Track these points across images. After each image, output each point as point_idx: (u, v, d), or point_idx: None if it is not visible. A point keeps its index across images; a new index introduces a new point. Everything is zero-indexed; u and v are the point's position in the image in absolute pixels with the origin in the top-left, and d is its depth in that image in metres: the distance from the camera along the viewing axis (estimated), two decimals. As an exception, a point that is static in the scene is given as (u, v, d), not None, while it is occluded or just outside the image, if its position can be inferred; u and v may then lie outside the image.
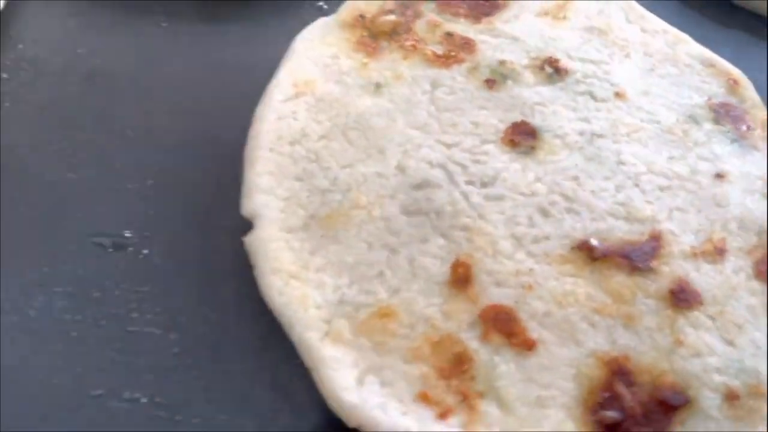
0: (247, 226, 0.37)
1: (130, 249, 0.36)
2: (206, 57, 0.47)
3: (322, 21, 0.45)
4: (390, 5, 0.46)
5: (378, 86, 0.40)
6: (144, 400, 0.31)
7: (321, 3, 0.51)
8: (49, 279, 0.35)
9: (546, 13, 0.46)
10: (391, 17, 0.44)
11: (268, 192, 0.35)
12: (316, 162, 0.36)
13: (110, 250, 0.36)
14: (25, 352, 0.32)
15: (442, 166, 0.36)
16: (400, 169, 0.36)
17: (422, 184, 0.35)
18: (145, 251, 0.36)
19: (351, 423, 0.28)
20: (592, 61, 0.43)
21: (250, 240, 0.34)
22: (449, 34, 0.44)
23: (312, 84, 0.40)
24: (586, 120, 0.39)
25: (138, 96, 0.44)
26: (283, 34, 0.49)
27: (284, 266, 0.32)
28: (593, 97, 0.40)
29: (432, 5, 0.46)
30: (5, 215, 0.37)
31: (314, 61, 0.42)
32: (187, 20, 0.49)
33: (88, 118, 0.43)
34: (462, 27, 0.44)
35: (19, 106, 0.43)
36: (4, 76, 0.45)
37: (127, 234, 0.37)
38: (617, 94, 0.41)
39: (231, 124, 0.43)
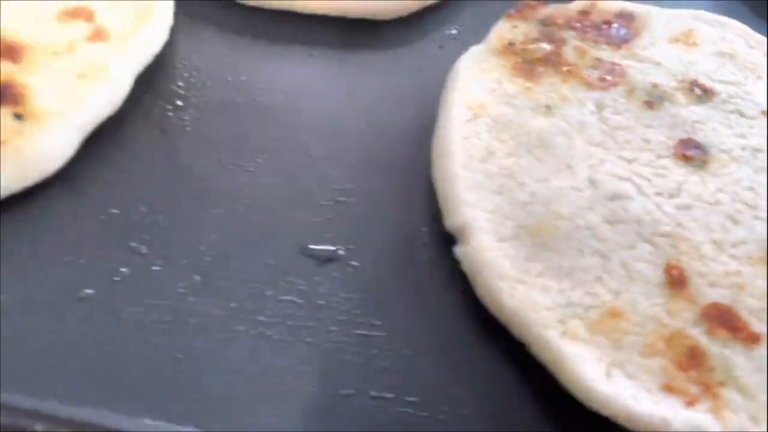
0: (438, 236, 0.40)
1: (339, 262, 0.39)
2: (355, 82, 0.50)
3: (475, 49, 0.48)
4: (534, 33, 0.50)
5: (548, 108, 0.44)
6: (391, 397, 0.33)
7: (453, 31, 0.55)
8: (273, 290, 0.37)
9: (677, 40, 0.50)
10: (544, 45, 0.48)
11: (474, 205, 0.38)
12: (510, 178, 0.39)
13: (321, 262, 0.39)
14: (267, 358, 0.35)
15: (629, 180, 0.39)
16: (592, 182, 0.39)
17: (615, 196, 0.38)
18: (354, 263, 0.39)
19: (606, 412, 0.30)
20: (731, 83, 0.46)
21: (466, 250, 0.37)
22: (598, 60, 0.47)
23: (485, 106, 0.44)
24: (742, 136, 0.42)
25: (304, 121, 0.47)
26: (421, 59, 0.53)
27: (507, 272, 0.35)
28: (743, 115, 0.44)
29: (573, 33, 0.50)
30: (217, 231, 0.39)
31: (480, 86, 0.45)
32: (332, 49, 0.53)
33: (265, 142, 0.45)
34: (606, 53, 0.48)
35: (200, 131, 0.45)
36: (179, 103, 0.48)
37: (331, 247, 0.39)
38: (763, 112, 0.44)
39: (397, 143, 0.47)
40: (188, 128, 0.46)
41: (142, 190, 0.42)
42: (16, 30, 0.44)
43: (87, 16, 0.46)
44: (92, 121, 0.43)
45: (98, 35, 0.45)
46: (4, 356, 0.34)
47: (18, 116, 0.40)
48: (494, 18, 0.54)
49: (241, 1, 0.54)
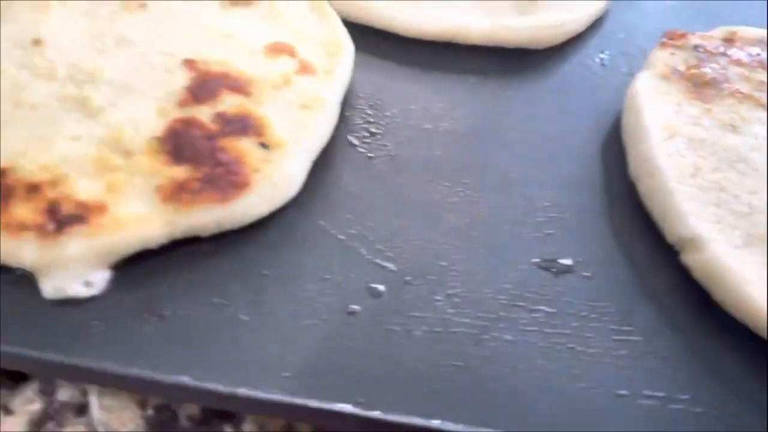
0: (653, 245, 0.43)
1: (573, 273, 0.42)
2: (529, 107, 0.53)
3: (643, 75, 0.52)
4: (693, 60, 0.53)
5: (734, 127, 0.47)
6: (663, 396, 0.36)
7: (604, 57, 0.59)
8: (523, 301, 0.40)
9: (818, 62, 0.54)
10: (707, 70, 0.52)
11: (698, 217, 0.41)
12: (723, 191, 0.43)
13: (557, 274, 0.41)
14: (539, 362, 0.37)
15: (829, 191, 0.43)
16: (798, 193, 0.42)
17: (824, 205, 0.42)
18: (587, 273, 0.42)
19: None
20: None
21: (700, 258, 0.40)
22: (761, 82, 0.51)
23: (674, 127, 0.47)
24: None
25: (494, 144, 0.50)
26: (582, 84, 0.56)
27: (753, 277, 0.38)
28: None
29: (726, 58, 0.54)
30: (451, 247, 0.42)
31: (663, 108, 0.48)
32: (499, 77, 0.56)
33: (465, 165, 0.48)
34: (764, 76, 0.52)
35: (403, 156, 0.48)
36: (373, 130, 0.51)
37: (561, 260, 0.42)
38: None
39: (584, 161, 0.50)
40: (391, 153, 0.49)
41: (369, 211, 0.44)
42: (238, 65, 0.47)
43: (290, 51, 0.49)
44: (318, 148, 0.45)
45: (305, 69, 0.48)
46: (282, 368, 0.36)
47: (263, 145, 0.42)
48: (634, 45, 0.58)
49: (405, 34, 0.58)
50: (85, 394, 0.52)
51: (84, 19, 0.49)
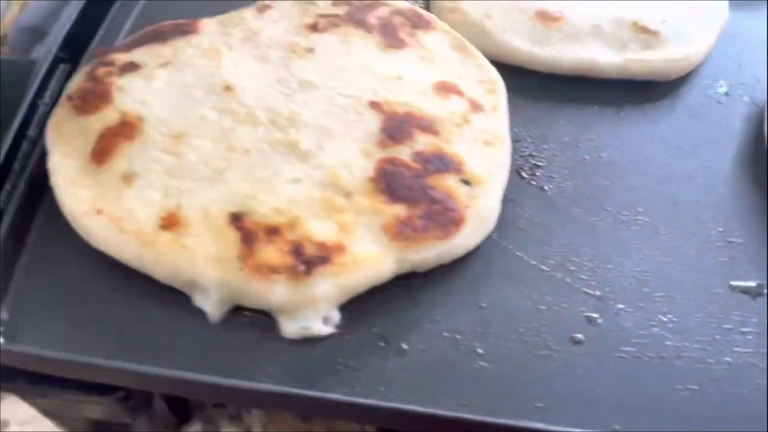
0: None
1: (762, 295, 0.44)
2: (670, 134, 0.55)
3: (774, 104, 0.55)
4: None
5: None
6: None
7: (723, 88, 0.62)
8: (731, 323, 0.42)
9: None
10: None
11: None
12: None
13: (754, 296, 0.43)
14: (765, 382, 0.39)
15: None
16: None
17: None
18: (777, 296, 0.44)
19: None
20: None
21: None
22: None
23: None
24: None
25: (654, 171, 0.52)
26: (709, 112, 0.58)
27: None
28: None
29: None
30: (647, 275, 0.44)
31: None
32: (628, 107, 0.58)
33: (634, 193, 0.50)
34: None
35: (573, 186, 0.50)
36: (535, 162, 0.52)
37: (752, 283, 0.44)
38: None
39: (737, 185, 0.52)
40: (561, 185, 0.51)
41: (560, 242, 0.46)
42: (418, 105, 0.49)
43: (457, 91, 0.51)
44: (506, 182, 0.47)
45: (476, 107, 0.50)
46: (534, 399, 0.38)
47: (465, 182, 0.44)
48: (748, 75, 0.61)
49: (541, 69, 0.59)
50: (248, 430, 0.52)
51: (259, 65, 0.51)
